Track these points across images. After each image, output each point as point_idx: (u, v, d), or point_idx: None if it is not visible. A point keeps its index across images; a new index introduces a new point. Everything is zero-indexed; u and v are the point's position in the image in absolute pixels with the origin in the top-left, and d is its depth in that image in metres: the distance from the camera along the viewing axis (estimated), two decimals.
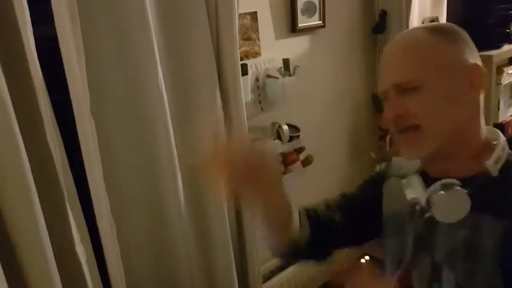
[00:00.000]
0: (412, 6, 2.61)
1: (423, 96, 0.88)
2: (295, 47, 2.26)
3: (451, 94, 0.89)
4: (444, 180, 0.87)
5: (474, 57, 0.92)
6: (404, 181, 0.97)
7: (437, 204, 0.87)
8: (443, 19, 2.56)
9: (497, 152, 0.88)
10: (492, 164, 0.87)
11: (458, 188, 0.85)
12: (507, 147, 0.91)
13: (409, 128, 0.90)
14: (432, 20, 2.47)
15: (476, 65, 0.90)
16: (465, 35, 0.93)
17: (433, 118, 0.88)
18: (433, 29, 0.93)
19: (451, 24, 0.97)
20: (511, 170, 0.88)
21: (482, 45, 2.34)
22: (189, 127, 1.71)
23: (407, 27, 2.58)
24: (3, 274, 1.17)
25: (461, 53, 0.90)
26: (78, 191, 1.39)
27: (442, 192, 0.86)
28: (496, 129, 0.96)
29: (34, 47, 1.20)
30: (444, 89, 0.88)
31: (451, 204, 0.86)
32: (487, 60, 2.29)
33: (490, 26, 2.36)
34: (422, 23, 2.52)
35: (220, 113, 1.72)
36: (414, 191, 0.93)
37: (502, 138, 0.91)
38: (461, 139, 0.91)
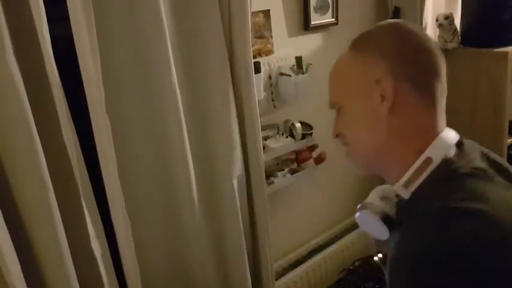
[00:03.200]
0: (426, 2, 2.59)
1: (343, 117, 0.96)
2: (308, 45, 2.25)
3: (364, 113, 0.90)
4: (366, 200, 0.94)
5: (387, 64, 0.87)
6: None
7: (360, 223, 0.96)
8: (457, 16, 2.54)
9: (408, 174, 0.85)
10: (400, 187, 0.86)
11: (369, 209, 0.92)
12: (433, 168, 0.83)
13: (345, 145, 1.00)
14: (446, 17, 2.44)
15: (382, 76, 0.86)
16: (380, 35, 0.93)
17: (353, 138, 0.95)
18: (352, 44, 0.98)
19: (368, 30, 0.97)
20: (421, 194, 0.83)
21: (497, 41, 2.34)
22: (201, 125, 1.72)
23: (421, 23, 2.57)
24: (21, 270, 1.19)
25: (368, 65, 0.89)
26: (93, 188, 1.41)
27: (362, 212, 0.94)
28: (446, 145, 0.85)
29: (50, 45, 1.21)
30: (357, 109, 0.91)
31: (369, 223, 0.93)
32: (502, 56, 2.26)
33: (505, 22, 2.32)
34: (436, 20, 2.50)
35: (233, 110, 1.73)
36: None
37: (436, 157, 0.83)
38: (387, 158, 0.90)
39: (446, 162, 0.82)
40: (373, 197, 0.96)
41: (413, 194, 0.84)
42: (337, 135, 1.00)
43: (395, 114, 0.86)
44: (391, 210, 0.90)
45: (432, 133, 0.86)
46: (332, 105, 0.98)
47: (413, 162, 0.84)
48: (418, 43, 0.88)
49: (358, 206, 0.92)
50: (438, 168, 0.82)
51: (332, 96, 0.98)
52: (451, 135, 0.87)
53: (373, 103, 0.86)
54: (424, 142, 0.85)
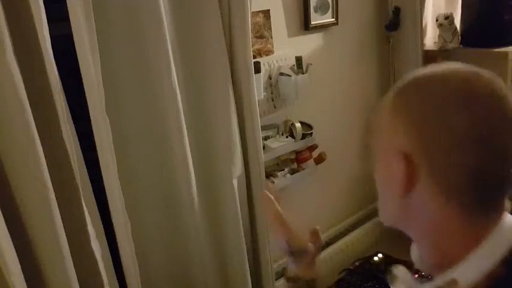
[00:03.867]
0: (426, 2, 2.59)
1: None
2: (308, 45, 2.25)
3: (384, 182, 0.72)
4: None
5: (421, 137, 0.63)
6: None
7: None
8: (457, 16, 2.54)
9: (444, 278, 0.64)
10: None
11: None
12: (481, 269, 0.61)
13: None
14: (446, 17, 2.44)
15: (403, 155, 0.63)
16: (421, 94, 0.64)
17: (378, 191, 0.76)
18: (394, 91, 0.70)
19: (412, 79, 0.68)
20: None
21: (498, 41, 2.34)
22: (202, 125, 1.72)
23: (421, 24, 2.57)
24: (21, 270, 1.19)
25: (395, 133, 0.66)
26: (93, 188, 1.41)
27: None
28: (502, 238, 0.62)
29: (50, 45, 1.21)
30: (381, 169, 0.72)
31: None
32: (502, 56, 2.26)
33: (505, 22, 2.32)
34: (437, 20, 2.50)
35: (233, 111, 1.73)
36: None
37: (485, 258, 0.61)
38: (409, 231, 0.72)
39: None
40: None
41: None
42: None
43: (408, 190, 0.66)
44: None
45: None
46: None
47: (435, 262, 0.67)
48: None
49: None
50: None
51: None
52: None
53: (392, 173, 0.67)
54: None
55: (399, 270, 0.79)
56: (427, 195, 0.63)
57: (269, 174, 2.10)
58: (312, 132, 2.22)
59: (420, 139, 0.62)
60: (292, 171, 2.21)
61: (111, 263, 1.50)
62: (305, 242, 1.07)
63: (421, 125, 0.62)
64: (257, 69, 1.86)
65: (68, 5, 1.22)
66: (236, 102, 1.74)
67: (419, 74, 0.68)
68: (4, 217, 1.14)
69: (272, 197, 1.16)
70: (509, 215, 0.64)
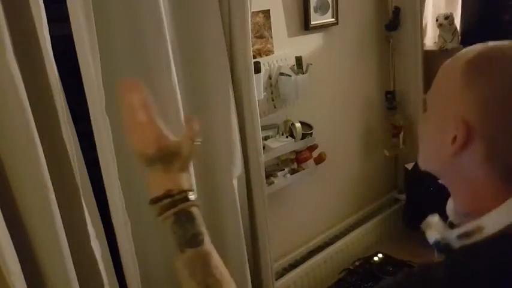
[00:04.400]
0: (426, 2, 2.59)
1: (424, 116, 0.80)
2: (308, 45, 2.25)
3: (435, 138, 0.75)
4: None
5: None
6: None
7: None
8: (457, 16, 2.54)
9: (466, 228, 0.69)
10: (454, 238, 0.70)
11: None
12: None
13: None
14: (446, 17, 2.45)
15: (465, 122, 0.67)
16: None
17: (422, 143, 0.80)
18: (476, 56, 0.73)
19: (485, 50, 0.74)
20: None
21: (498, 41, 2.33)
22: (202, 125, 1.71)
23: (421, 24, 2.57)
24: (21, 270, 1.19)
25: (461, 100, 0.69)
26: (93, 188, 1.41)
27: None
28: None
29: (50, 45, 1.21)
30: (433, 123, 0.76)
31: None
32: None
33: (505, 22, 2.33)
34: (436, 20, 2.50)
35: (233, 111, 1.73)
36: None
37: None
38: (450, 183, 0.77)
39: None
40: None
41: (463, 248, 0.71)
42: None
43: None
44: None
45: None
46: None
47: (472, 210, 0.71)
48: None
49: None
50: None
51: (428, 94, 0.78)
52: None
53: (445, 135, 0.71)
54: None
55: (433, 218, 0.82)
56: (476, 157, 0.68)
57: (269, 174, 2.10)
58: (312, 132, 2.22)
59: (486, 112, 0.66)
60: (292, 171, 2.21)
61: (111, 263, 1.50)
62: (177, 141, 0.89)
63: (490, 100, 0.66)
64: (257, 69, 1.86)
65: (68, 5, 1.22)
66: (236, 102, 1.74)
67: (492, 46, 0.74)
68: (4, 217, 1.14)
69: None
70: None
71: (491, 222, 0.66)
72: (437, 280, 0.64)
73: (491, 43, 0.74)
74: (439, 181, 0.79)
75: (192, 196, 0.82)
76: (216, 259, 0.81)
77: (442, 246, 0.74)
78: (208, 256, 0.80)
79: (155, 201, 0.82)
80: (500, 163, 0.67)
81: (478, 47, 0.74)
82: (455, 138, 0.68)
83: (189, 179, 0.84)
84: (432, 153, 0.77)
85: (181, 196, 0.81)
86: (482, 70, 0.69)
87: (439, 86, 0.75)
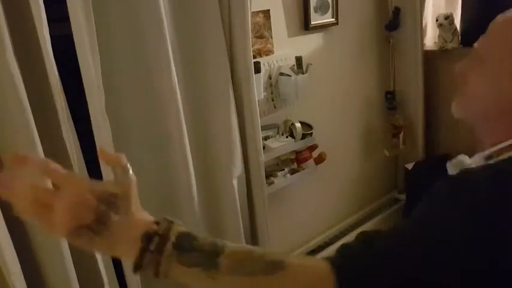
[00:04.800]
0: (426, 2, 2.59)
1: (480, 67, 0.90)
2: (308, 45, 2.25)
3: (503, 79, 0.85)
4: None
5: None
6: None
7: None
8: (457, 16, 2.54)
9: (493, 149, 0.82)
10: (481, 158, 0.84)
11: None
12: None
13: (462, 84, 0.95)
14: (446, 17, 2.44)
15: None
16: None
17: (475, 90, 0.90)
18: None
19: None
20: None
21: None
22: (202, 125, 1.72)
23: (421, 24, 2.57)
24: (21, 270, 1.19)
25: None
26: None
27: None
28: None
29: (50, 45, 1.21)
30: (499, 72, 0.86)
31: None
32: None
33: None
34: (436, 20, 2.50)
35: (233, 111, 1.73)
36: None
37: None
38: (494, 126, 0.87)
39: None
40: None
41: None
42: (460, 72, 0.93)
43: None
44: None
45: None
46: (477, 51, 0.94)
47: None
48: None
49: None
50: None
51: (484, 43, 0.94)
52: None
53: None
54: None
55: (463, 157, 0.91)
56: None
57: (269, 174, 2.10)
58: (312, 132, 2.22)
59: None
60: (292, 171, 2.21)
61: (111, 263, 1.50)
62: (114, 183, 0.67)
63: None
64: (257, 69, 1.86)
65: (68, 5, 1.22)
66: (236, 102, 1.74)
67: None
68: (4, 217, 1.14)
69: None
70: None
71: None
72: (475, 189, 0.70)
73: None
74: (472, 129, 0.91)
75: (169, 222, 0.68)
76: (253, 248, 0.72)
77: None
78: (243, 246, 0.73)
79: (142, 253, 0.64)
80: None
81: None
82: None
83: (147, 214, 0.69)
84: (478, 104, 0.87)
85: (163, 226, 0.67)
86: None
87: (500, 35, 0.90)
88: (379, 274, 0.67)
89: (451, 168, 0.90)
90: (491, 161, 0.81)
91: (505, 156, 0.80)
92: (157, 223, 0.67)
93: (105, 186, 0.66)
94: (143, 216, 0.68)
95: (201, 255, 0.66)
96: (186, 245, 0.66)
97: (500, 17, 0.92)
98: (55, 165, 0.67)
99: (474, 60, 0.91)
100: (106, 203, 0.64)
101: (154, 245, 0.64)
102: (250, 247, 0.71)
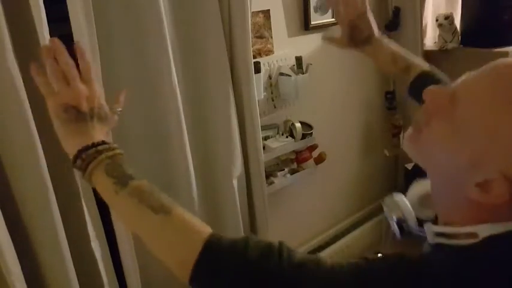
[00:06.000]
0: (426, 2, 2.59)
1: (430, 129, 0.70)
2: (308, 45, 2.25)
3: (451, 160, 0.68)
4: None
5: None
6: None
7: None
8: (457, 16, 2.54)
9: (448, 230, 0.69)
10: (432, 232, 0.71)
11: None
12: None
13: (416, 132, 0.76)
14: (446, 17, 2.44)
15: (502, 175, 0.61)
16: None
17: (428, 154, 0.73)
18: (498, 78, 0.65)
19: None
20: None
21: (497, 41, 2.33)
22: (202, 125, 1.72)
23: (421, 24, 2.57)
24: (21, 270, 1.19)
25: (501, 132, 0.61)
26: (93, 189, 1.41)
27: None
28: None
29: None
30: (446, 148, 0.68)
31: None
32: (502, 56, 2.25)
33: (505, 22, 2.32)
34: (436, 20, 2.50)
35: (233, 111, 1.73)
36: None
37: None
38: (444, 201, 0.73)
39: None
40: (412, 194, 0.87)
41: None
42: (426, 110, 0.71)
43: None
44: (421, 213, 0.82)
45: None
46: (455, 91, 0.67)
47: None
48: None
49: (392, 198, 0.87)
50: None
51: (468, 86, 0.66)
52: None
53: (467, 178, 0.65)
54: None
55: (400, 198, 0.87)
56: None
57: (269, 174, 2.10)
58: (312, 132, 2.22)
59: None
60: (292, 171, 2.21)
61: (111, 263, 1.50)
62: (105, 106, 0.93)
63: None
64: (257, 69, 1.86)
65: (68, 5, 1.22)
66: (236, 102, 1.74)
67: None
68: (4, 217, 1.14)
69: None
70: None
71: (484, 231, 0.63)
72: (436, 276, 0.61)
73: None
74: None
75: (116, 146, 0.85)
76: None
77: (403, 228, 0.82)
78: (155, 186, 0.81)
79: (82, 151, 0.82)
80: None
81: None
82: (485, 183, 0.62)
83: (109, 138, 0.88)
84: (437, 164, 0.70)
85: (107, 146, 0.84)
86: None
87: (477, 103, 0.64)
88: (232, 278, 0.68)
89: (385, 208, 0.87)
90: (443, 241, 0.69)
91: (462, 242, 0.66)
92: (105, 143, 0.84)
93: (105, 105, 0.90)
94: (104, 135, 0.88)
95: (121, 172, 0.80)
96: (117, 161, 0.82)
97: (501, 62, 0.65)
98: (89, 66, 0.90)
99: (446, 100, 0.67)
100: (103, 112, 0.89)
101: (101, 147, 0.82)
102: (158, 190, 0.81)
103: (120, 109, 0.96)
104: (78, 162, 0.82)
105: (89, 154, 0.81)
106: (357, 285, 0.63)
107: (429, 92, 0.70)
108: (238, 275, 0.68)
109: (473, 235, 0.64)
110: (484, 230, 0.63)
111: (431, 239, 0.72)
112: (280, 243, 0.71)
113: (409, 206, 0.86)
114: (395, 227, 0.84)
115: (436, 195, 0.74)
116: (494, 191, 0.61)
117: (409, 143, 0.75)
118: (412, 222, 0.84)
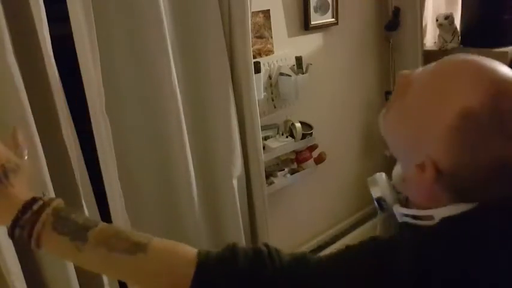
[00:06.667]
0: (426, 2, 2.59)
1: (391, 117, 0.80)
2: (308, 45, 2.25)
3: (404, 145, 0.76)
4: None
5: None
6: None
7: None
8: (457, 16, 2.54)
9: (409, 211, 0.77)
10: (400, 214, 0.79)
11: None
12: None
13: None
14: (446, 17, 2.44)
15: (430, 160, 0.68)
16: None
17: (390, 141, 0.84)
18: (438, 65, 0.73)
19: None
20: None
21: (497, 41, 2.33)
22: (201, 125, 1.72)
23: (421, 24, 2.57)
24: (21, 270, 1.19)
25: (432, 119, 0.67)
26: (93, 188, 1.41)
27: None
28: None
29: (50, 45, 1.21)
30: (401, 134, 0.76)
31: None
32: (502, 56, 2.26)
33: (505, 22, 2.32)
34: (436, 20, 2.50)
35: (233, 111, 1.73)
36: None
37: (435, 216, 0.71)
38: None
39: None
40: (396, 175, 0.88)
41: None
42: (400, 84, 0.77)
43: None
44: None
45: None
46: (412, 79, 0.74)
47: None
48: None
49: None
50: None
51: (421, 76, 0.73)
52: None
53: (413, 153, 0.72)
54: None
55: (381, 177, 0.88)
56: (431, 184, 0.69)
57: (269, 174, 2.10)
58: (312, 132, 2.22)
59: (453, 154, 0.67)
60: (292, 171, 2.21)
61: None
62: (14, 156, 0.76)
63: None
64: (257, 69, 1.86)
65: (68, 5, 1.22)
66: (236, 102, 1.74)
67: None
68: None
69: None
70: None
71: (439, 214, 0.70)
72: (401, 253, 0.66)
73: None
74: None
75: (49, 198, 0.73)
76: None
77: (383, 206, 0.85)
78: (115, 226, 0.76)
79: (17, 220, 0.69)
80: (455, 187, 0.69)
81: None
82: (422, 165, 0.69)
83: (30, 188, 0.75)
84: (400, 148, 0.79)
85: (41, 202, 0.71)
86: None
87: (426, 92, 0.70)
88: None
89: (369, 186, 0.90)
90: (409, 220, 0.77)
91: (423, 223, 0.73)
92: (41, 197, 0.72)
93: (11, 154, 0.75)
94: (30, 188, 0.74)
95: (74, 225, 0.70)
96: (63, 214, 0.70)
97: (450, 56, 0.71)
98: None
99: (404, 86, 0.74)
100: (13, 164, 0.73)
101: (36, 206, 0.70)
102: (121, 227, 0.75)
103: (26, 150, 0.80)
104: (17, 232, 0.69)
105: (26, 219, 0.69)
106: (341, 270, 0.71)
107: (400, 74, 0.76)
108: None
109: (430, 217, 0.71)
110: (440, 213, 0.70)
111: (399, 218, 0.80)
112: (267, 247, 0.72)
113: (388, 185, 0.88)
114: (375, 204, 0.89)
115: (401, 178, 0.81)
116: (426, 173, 0.68)
117: (380, 121, 0.84)
118: (389, 201, 0.85)
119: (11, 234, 0.70)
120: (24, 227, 0.69)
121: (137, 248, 0.69)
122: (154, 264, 0.69)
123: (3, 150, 0.74)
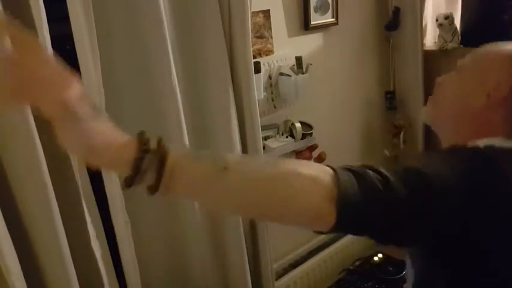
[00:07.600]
0: (426, 2, 2.59)
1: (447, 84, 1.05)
2: (308, 45, 2.25)
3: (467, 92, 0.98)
4: None
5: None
6: None
7: None
8: (457, 16, 2.54)
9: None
10: None
11: None
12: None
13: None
14: (446, 17, 2.44)
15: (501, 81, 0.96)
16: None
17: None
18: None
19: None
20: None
21: (498, 41, 2.33)
22: (201, 125, 1.72)
23: (421, 24, 2.57)
24: (21, 270, 1.19)
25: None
26: (93, 188, 1.41)
27: None
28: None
29: (50, 45, 1.21)
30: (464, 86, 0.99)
31: None
32: None
33: (505, 22, 2.33)
34: (436, 20, 2.50)
35: (233, 111, 1.73)
36: None
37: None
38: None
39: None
40: None
41: None
42: (440, 83, 1.06)
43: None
44: None
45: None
46: (458, 67, 1.05)
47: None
48: None
49: None
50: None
51: (465, 62, 1.05)
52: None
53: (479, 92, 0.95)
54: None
55: None
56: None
57: None
58: (312, 132, 2.22)
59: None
60: None
61: (111, 263, 1.50)
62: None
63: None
64: (257, 69, 1.86)
65: (68, 5, 1.22)
66: (236, 102, 1.74)
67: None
68: (4, 217, 1.14)
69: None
70: None
71: (482, 143, 0.88)
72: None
73: None
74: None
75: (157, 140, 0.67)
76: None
77: None
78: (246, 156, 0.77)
79: (142, 152, 0.65)
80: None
81: None
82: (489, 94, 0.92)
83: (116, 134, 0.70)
84: (455, 106, 0.99)
85: (155, 141, 0.66)
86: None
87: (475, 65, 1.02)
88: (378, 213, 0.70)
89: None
90: None
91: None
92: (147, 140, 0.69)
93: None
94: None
95: (210, 155, 0.67)
96: (192, 152, 0.69)
97: (485, 47, 1.09)
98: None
99: (453, 72, 1.04)
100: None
101: (156, 143, 0.62)
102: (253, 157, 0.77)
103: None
104: (144, 164, 0.64)
105: (151, 158, 0.65)
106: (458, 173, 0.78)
107: (438, 79, 1.06)
108: (386, 208, 0.70)
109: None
110: (483, 142, 0.88)
111: None
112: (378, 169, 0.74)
113: None
114: None
115: (449, 132, 1.00)
116: (496, 94, 0.92)
117: (428, 106, 1.06)
118: None
119: (136, 171, 0.64)
120: (148, 174, 0.64)
121: (277, 168, 0.67)
122: (298, 180, 0.65)
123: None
